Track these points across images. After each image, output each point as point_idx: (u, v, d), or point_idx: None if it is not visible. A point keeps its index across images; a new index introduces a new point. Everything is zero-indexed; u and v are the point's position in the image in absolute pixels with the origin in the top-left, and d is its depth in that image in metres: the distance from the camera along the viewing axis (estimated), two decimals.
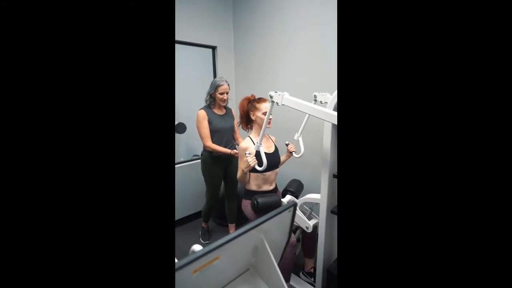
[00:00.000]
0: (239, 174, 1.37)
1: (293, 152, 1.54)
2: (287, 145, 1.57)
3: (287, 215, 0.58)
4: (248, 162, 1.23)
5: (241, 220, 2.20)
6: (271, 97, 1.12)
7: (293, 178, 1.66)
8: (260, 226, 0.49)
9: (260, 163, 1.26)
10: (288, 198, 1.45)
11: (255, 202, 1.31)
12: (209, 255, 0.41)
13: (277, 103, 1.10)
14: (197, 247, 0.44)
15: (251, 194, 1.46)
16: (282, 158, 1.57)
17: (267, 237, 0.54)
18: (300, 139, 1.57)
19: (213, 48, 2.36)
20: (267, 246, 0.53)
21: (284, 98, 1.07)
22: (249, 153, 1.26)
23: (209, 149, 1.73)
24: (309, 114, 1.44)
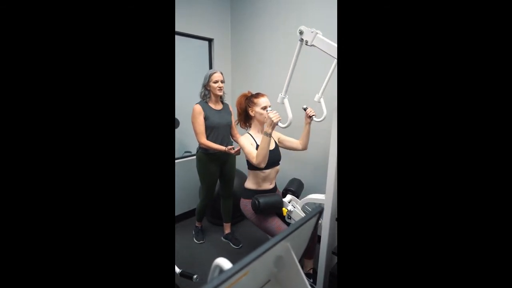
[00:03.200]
0: (258, 151, 1.19)
1: (313, 116, 1.37)
2: (305, 109, 1.38)
3: (312, 220, 0.53)
4: (271, 118, 1.08)
5: (236, 219, 2.14)
6: (300, 33, 0.92)
7: (293, 177, 1.62)
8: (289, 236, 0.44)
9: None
10: (289, 197, 1.42)
11: (256, 202, 1.26)
12: (240, 272, 0.35)
13: (306, 42, 0.92)
14: (224, 263, 0.38)
15: (250, 193, 1.41)
16: (305, 129, 1.40)
17: (292, 245, 0.49)
18: (322, 100, 1.38)
19: (210, 41, 2.27)
20: (293, 255, 0.48)
21: (317, 37, 0.90)
22: (271, 109, 1.10)
23: (203, 146, 1.65)
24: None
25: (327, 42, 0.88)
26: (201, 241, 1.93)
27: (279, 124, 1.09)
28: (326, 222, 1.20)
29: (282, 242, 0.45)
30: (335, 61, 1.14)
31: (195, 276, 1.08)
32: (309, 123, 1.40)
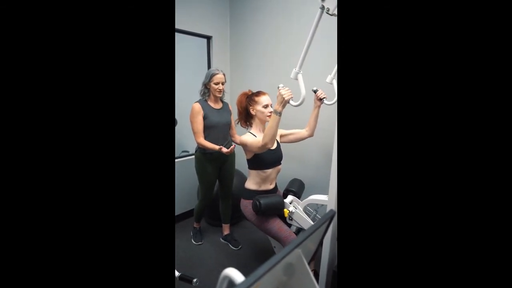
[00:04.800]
0: (264, 131, 1.13)
1: (324, 99, 1.30)
2: (315, 91, 1.29)
3: (323, 225, 0.51)
4: (282, 96, 1.01)
5: (235, 219, 2.11)
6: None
7: (293, 177, 1.60)
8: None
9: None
10: (290, 198, 1.39)
11: (257, 203, 1.24)
12: (253, 285, 0.32)
13: (327, 11, 0.86)
14: (235, 274, 0.35)
15: (250, 194, 1.38)
16: (313, 112, 1.33)
17: (303, 251, 0.47)
18: (334, 82, 1.30)
19: (208, 38, 2.23)
20: (305, 262, 0.46)
21: None
22: (283, 86, 1.04)
23: (200, 146, 1.62)
24: None
25: None
26: (200, 243, 1.89)
27: (291, 102, 1.02)
28: None
29: (295, 250, 0.43)
30: None
31: (195, 280, 1.05)
32: (319, 107, 1.33)
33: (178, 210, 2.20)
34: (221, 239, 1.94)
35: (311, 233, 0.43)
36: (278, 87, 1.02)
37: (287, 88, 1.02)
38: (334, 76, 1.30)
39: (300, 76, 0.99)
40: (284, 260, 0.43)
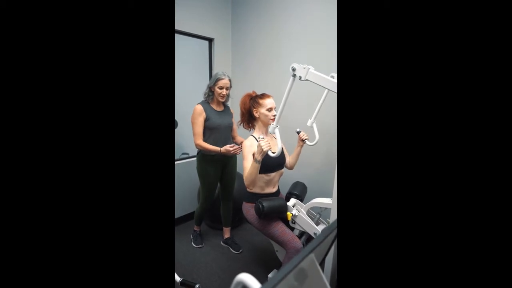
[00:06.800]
0: (247, 173, 1.22)
1: (306, 140, 1.40)
2: (298, 133, 1.41)
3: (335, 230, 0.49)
4: (261, 147, 1.09)
5: (235, 223, 2.09)
6: (293, 69, 0.99)
7: (296, 181, 1.59)
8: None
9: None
10: (293, 201, 1.38)
11: (260, 206, 1.22)
12: None
13: (299, 78, 0.98)
14: (250, 281, 0.34)
15: (253, 197, 1.36)
16: (296, 150, 1.44)
17: (315, 255, 0.45)
18: (314, 125, 1.44)
19: (210, 40, 2.22)
20: (318, 266, 0.44)
21: (310, 72, 0.95)
22: (263, 137, 1.12)
23: (198, 148, 1.61)
24: (323, 99, 1.38)
25: (319, 76, 0.94)
26: (200, 246, 1.87)
27: (269, 153, 1.12)
28: None
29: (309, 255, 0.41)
30: (326, 90, 1.29)
31: (197, 286, 1.03)
32: (301, 146, 1.42)
33: (178, 213, 2.18)
34: (221, 242, 1.91)
35: (325, 238, 0.42)
36: (259, 138, 1.12)
37: (266, 140, 1.12)
38: (314, 120, 1.45)
39: (277, 130, 1.09)
40: (297, 266, 0.42)
